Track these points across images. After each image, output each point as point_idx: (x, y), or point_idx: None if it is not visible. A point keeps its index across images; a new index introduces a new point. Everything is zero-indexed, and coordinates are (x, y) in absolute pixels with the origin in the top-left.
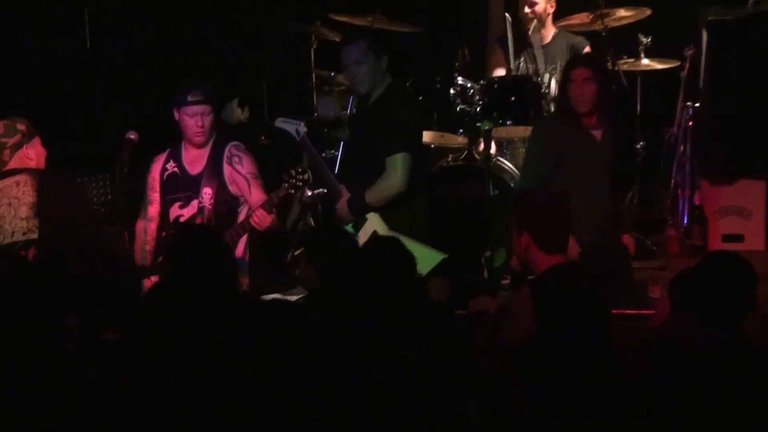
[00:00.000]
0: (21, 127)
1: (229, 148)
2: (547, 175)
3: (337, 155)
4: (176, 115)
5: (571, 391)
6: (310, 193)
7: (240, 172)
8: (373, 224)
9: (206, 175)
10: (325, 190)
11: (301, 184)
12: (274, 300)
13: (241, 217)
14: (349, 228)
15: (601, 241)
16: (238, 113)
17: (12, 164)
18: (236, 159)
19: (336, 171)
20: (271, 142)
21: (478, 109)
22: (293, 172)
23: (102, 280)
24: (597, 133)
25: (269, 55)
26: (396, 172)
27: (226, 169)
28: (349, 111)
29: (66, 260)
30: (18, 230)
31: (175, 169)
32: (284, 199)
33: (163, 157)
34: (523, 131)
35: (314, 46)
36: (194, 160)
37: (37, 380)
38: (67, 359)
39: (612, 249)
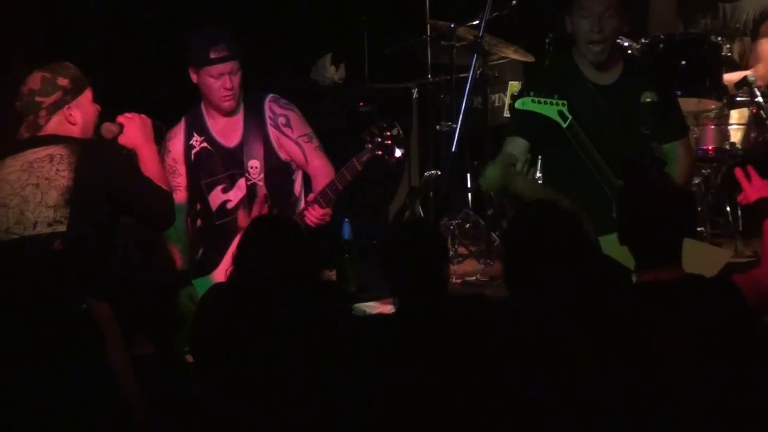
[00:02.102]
0: (63, 81)
1: (269, 106)
2: None
3: (455, 128)
4: (194, 77)
5: None
6: (431, 173)
7: (289, 137)
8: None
9: (248, 144)
10: (439, 172)
11: (389, 143)
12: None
13: (298, 185)
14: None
15: None
16: (331, 72)
17: (49, 129)
18: (282, 120)
19: (453, 148)
20: (372, 108)
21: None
22: (376, 129)
23: (136, 288)
24: None
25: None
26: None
27: (272, 132)
28: (471, 74)
29: (99, 261)
30: (42, 220)
31: (205, 144)
32: (367, 164)
33: (180, 130)
34: (696, 105)
35: None
36: (226, 128)
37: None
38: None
39: None
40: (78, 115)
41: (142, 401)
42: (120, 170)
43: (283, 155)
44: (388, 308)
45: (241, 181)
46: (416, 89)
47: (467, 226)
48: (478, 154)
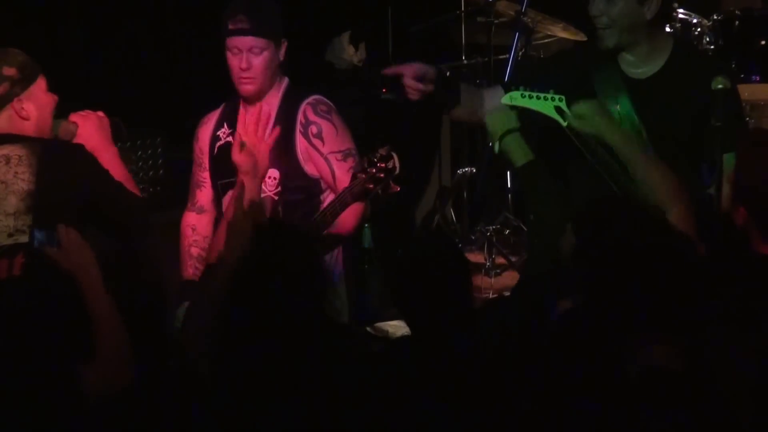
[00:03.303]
0: (9, 71)
1: (304, 109)
2: None
3: None
4: (225, 51)
5: None
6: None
7: (319, 150)
8: None
9: (272, 149)
10: (474, 170)
11: (383, 175)
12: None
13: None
14: None
15: None
16: (349, 53)
17: None
18: (313, 129)
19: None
20: (396, 95)
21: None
22: (375, 157)
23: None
24: None
25: None
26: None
27: (300, 142)
28: (511, 55)
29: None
30: (1, 230)
31: (230, 138)
32: (360, 198)
33: (214, 117)
34: None
35: None
36: (251, 122)
37: None
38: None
39: None
40: (31, 109)
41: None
42: (89, 172)
43: (310, 170)
44: None
45: None
46: (448, 73)
47: (507, 232)
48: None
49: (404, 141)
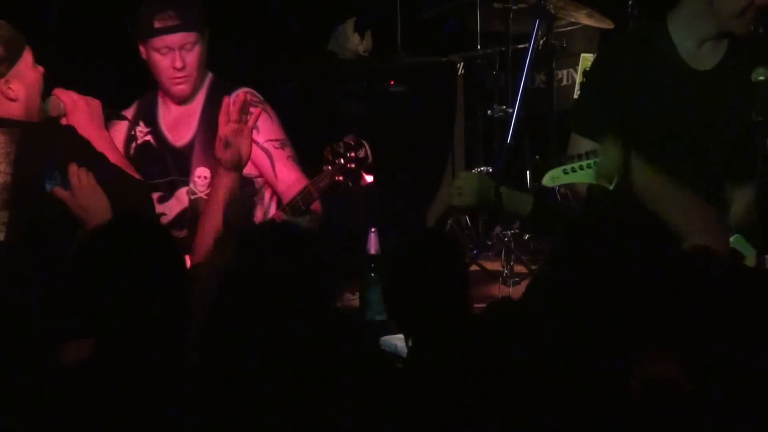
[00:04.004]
0: None
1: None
2: None
3: (511, 113)
4: (142, 51)
5: None
6: (480, 170)
7: (255, 140)
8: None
9: (200, 146)
10: (490, 169)
11: (354, 166)
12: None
13: (260, 209)
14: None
15: None
16: (354, 42)
17: None
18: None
19: (509, 138)
20: (405, 88)
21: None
22: (341, 146)
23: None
24: None
25: None
26: None
27: None
28: (531, 44)
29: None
30: None
31: (148, 137)
32: (327, 192)
33: (128, 115)
34: None
35: None
36: (178, 122)
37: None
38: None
39: None
40: (18, 88)
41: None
42: (81, 157)
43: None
44: None
45: (182, 192)
46: (462, 64)
47: (526, 237)
48: (541, 146)
49: (414, 138)
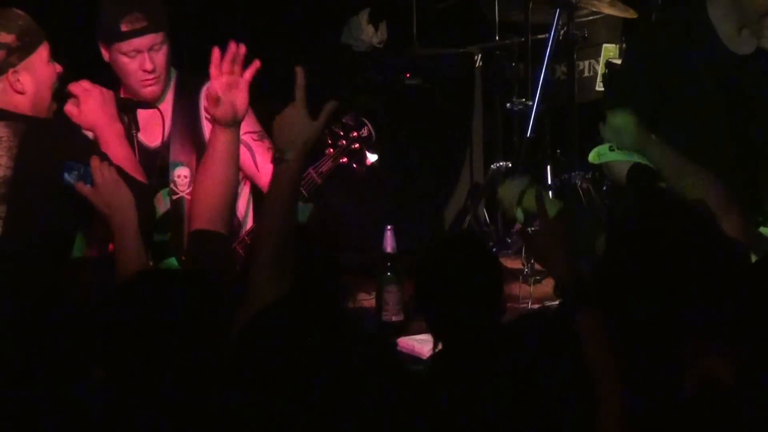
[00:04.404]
0: (7, 38)
1: (205, 92)
2: None
3: (531, 106)
4: (105, 54)
5: None
6: (499, 165)
7: None
8: None
9: (175, 145)
10: (510, 164)
11: (357, 146)
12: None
13: (242, 202)
14: None
15: None
16: (368, 33)
17: None
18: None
19: (529, 132)
20: (422, 80)
21: None
22: (340, 129)
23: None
24: None
25: None
26: None
27: (208, 129)
28: (551, 35)
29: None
30: None
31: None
32: (329, 176)
33: None
34: None
35: None
36: (148, 122)
37: None
38: None
39: None
40: (27, 81)
41: None
42: (79, 156)
43: None
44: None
45: (162, 194)
46: (480, 55)
47: None
48: (562, 140)
49: (431, 132)
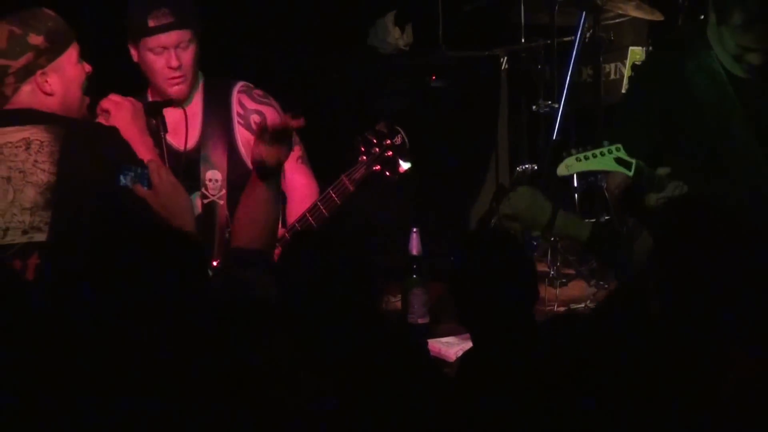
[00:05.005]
0: (36, 39)
1: (239, 98)
2: None
3: (557, 109)
4: (134, 53)
5: None
6: (525, 167)
7: None
8: None
9: (207, 149)
10: (536, 167)
11: (391, 153)
12: None
13: None
14: None
15: None
16: (394, 36)
17: (18, 101)
18: (255, 117)
19: (555, 135)
20: (447, 83)
21: None
22: (373, 136)
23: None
24: None
25: None
26: None
27: (241, 134)
28: (577, 37)
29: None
30: (15, 226)
31: None
32: (361, 183)
33: None
34: None
35: None
36: (179, 125)
37: None
38: None
39: None
40: (56, 83)
41: None
42: (122, 161)
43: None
44: (469, 345)
45: (195, 199)
46: (506, 58)
47: None
48: (588, 143)
49: (457, 135)
